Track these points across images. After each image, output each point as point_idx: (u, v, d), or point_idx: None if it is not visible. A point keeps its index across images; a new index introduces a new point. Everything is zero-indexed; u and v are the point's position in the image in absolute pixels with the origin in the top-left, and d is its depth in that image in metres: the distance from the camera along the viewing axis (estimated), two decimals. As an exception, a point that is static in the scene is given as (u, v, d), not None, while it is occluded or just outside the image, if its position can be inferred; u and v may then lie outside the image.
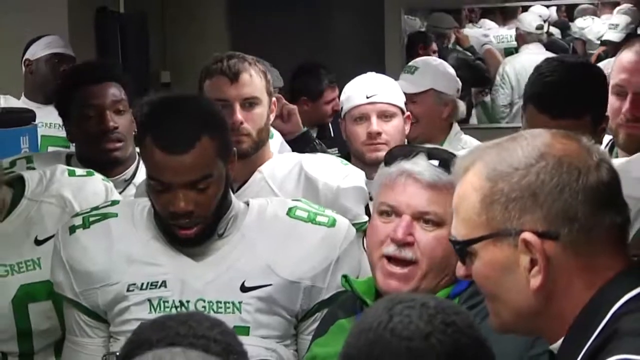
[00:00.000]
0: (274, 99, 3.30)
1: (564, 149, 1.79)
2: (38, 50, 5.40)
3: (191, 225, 2.65)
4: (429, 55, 8.24)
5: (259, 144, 3.18)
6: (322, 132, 5.37)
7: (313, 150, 3.81)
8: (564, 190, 1.75)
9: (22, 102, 5.29)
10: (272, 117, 3.28)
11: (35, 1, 5.95)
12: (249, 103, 3.17)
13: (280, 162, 3.26)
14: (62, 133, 4.04)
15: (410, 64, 4.48)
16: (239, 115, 3.14)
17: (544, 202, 1.75)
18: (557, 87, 2.82)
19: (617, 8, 9.11)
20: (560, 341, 1.78)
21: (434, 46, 8.44)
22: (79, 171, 3.15)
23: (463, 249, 1.81)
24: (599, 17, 10.03)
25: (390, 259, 2.35)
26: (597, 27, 9.96)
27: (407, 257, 2.32)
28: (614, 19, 9.07)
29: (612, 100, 3.11)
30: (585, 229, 1.75)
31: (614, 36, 8.89)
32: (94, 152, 3.52)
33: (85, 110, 3.49)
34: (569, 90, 2.81)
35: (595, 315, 1.74)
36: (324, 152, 4.04)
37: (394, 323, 1.61)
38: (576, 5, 10.20)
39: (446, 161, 2.29)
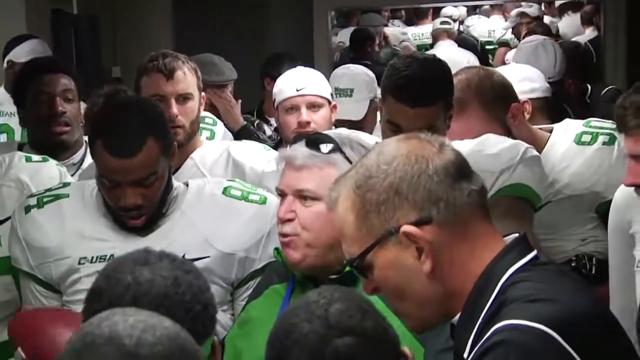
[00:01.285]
0: (203, 93, 3.30)
1: (408, 146, 1.80)
2: (21, 55, 5.28)
3: (139, 216, 2.65)
4: (373, 49, 8.30)
5: (191, 134, 3.20)
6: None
7: None
8: (421, 177, 1.75)
9: (3, 93, 5.18)
10: (201, 109, 3.28)
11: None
12: (183, 98, 3.18)
13: (210, 148, 3.28)
14: None
15: (343, 85, 4.22)
16: (175, 109, 3.14)
17: (408, 195, 1.75)
18: (413, 80, 2.86)
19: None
20: (458, 315, 1.78)
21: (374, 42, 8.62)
22: (35, 157, 3.14)
23: (360, 264, 1.79)
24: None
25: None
26: (480, 26, 10.12)
27: (287, 232, 2.32)
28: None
29: None
30: (451, 204, 1.76)
31: (531, 11, 8.97)
32: (44, 135, 3.53)
33: (38, 97, 3.52)
34: (423, 81, 2.86)
35: (487, 288, 1.74)
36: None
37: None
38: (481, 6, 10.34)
39: (315, 142, 2.30)
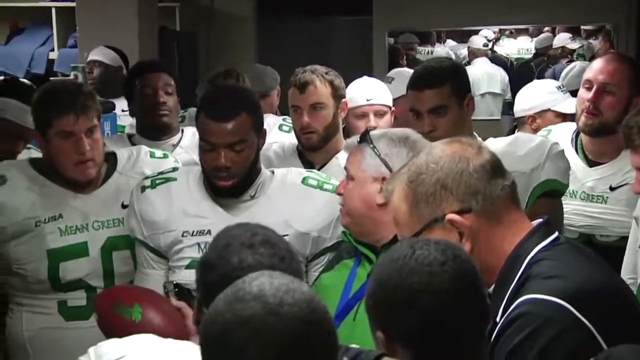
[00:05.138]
0: (344, 99, 3.32)
1: (452, 148, 1.82)
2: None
3: (228, 178, 2.66)
4: (403, 62, 8.37)
5: (325, 138, 3.24)
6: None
7: None
8: (463, 174, 1.78)
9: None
10: (342, 114, 3.32)
11: (114, 23, 5.92)
12: (314, 107, 3.20)
13: None
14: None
15: (388, 75, 4.30)
16: (306, 118, 3.20)
17: (452, 188, 1.78)
18: (421, 70, 2.96)
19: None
20: (493, 286, 1.79)
21: (404, 57, 8.64)
22: (158, 153, 3.16)
23: None
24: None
25: None
26: (509, 46, 10.09)
27: (340, 203, 2.43)
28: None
29: (581, 92, 3.17)
30: (488, 197, 1.78)
31: (573, 45, 8.92)
32: (149, 119, 3.66)
33: (144, 90, 3.64)
34: (429, 69, 2.92)
35: (515, 264, 1.77)
36: None
37: (417, 254, 1.59)
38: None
39: (362, 135, 2.38)
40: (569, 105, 3.81)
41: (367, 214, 2.30)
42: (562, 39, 9.06)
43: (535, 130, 3.69)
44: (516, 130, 4.06)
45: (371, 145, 2.32)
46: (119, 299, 2.18)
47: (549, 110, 3.93)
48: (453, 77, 2.89)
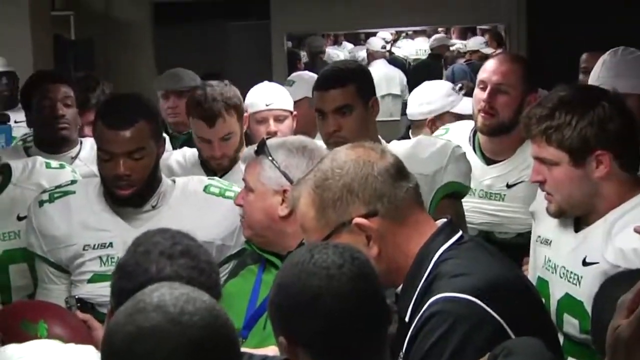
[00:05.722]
0: (245, 114, 3.29)
1: (356, 153, 1.84)
2: None
3: (127, 187, 2.63)
4: (301, 66, 8.41)
5: (235, 158, 3.16)
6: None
7: None
8: (368, 178, 1.80)
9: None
10: (245, 127, 3.30)
11: (5, 35, 5.78)
12: (224, 139, 3.16)
13: None
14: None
15: (289, 78, 4.28)
16: (217, 151, 3.15)
17: (358, 192, 1.79)
18: (325, 71, 2.99)
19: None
20: (400, 286, 1.82)
21: (302, 61, 8.76)
22: (54, 164, 3.09)
23: None
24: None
25: None
26: (406, 48, 10.24)
27: (240, 214, 2.43)
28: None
29: (477, 92, 3.19)
30: (393, 199, 1.80)
31: (488, 50, 9.10)
32: (47, 133, 3.54)
33: (42, 102, 3.51)
34: (333, 71, 2.96)
35: (422, 264, 1.79)
36: None
37: (315, 258, 1.60)
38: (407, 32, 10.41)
39: (257, 146, 2.38)
40: (465, 105, 3.87)
41: (269, 226, 2.30)
42: (477, 43, 9.22)
43: (434, 132, 3.73)
44: (410, 131, 4.10)
45: (270, 157, 2.31)
46: (23, 315, 2.13)
47: (447, 112, 4.00)
48: (358, 78, 2.90)
